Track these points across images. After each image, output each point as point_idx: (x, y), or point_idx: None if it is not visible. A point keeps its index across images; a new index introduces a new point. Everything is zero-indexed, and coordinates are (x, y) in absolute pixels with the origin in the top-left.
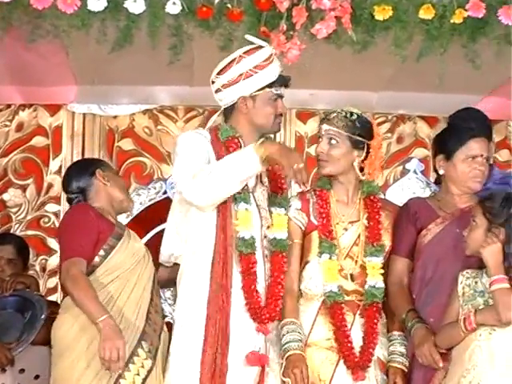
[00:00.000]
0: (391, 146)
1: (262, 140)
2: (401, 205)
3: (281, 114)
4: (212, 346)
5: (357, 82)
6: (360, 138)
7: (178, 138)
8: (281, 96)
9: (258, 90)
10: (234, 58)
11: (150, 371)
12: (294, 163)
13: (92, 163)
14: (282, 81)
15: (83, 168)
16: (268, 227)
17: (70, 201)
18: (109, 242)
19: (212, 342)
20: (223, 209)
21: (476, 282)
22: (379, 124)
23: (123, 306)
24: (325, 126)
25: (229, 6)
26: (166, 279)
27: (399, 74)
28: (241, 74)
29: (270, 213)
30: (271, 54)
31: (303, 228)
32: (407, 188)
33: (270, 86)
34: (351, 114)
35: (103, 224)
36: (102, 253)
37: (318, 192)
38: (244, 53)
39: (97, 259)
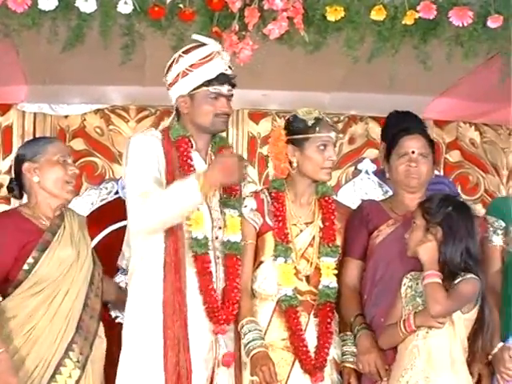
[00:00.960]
0: (343, 146)
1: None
2: (353, 206)
3: (226, 114)
4: (173, 348)
5: (309, 82)
6: None
7: (130, 139)
8: (222, 94)
9: (195, 89)
10: (175, 58)
11: (78, 381)
12: (236, 178)
13: (23, 152)
14: (224, 79)
15: (16, 157)
16: (220, 228)
17: (8, 190)
18: (33, 255)
19: (172, 344)
20: None
21: (417, 284)
22: None
23: (52, 318)
24: (333, 134)
25: (181, 5)
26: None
27: (351, 75)
28: (179, 74)
29: (224, 214)
30: (212, 52)
31: (257, 228)
32: (359, 188)
33: (207, 84)
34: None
35: (27, 235)
36: (26, 267)
37: (274, 194)
38: (183, 52)
39: (22, 273)
